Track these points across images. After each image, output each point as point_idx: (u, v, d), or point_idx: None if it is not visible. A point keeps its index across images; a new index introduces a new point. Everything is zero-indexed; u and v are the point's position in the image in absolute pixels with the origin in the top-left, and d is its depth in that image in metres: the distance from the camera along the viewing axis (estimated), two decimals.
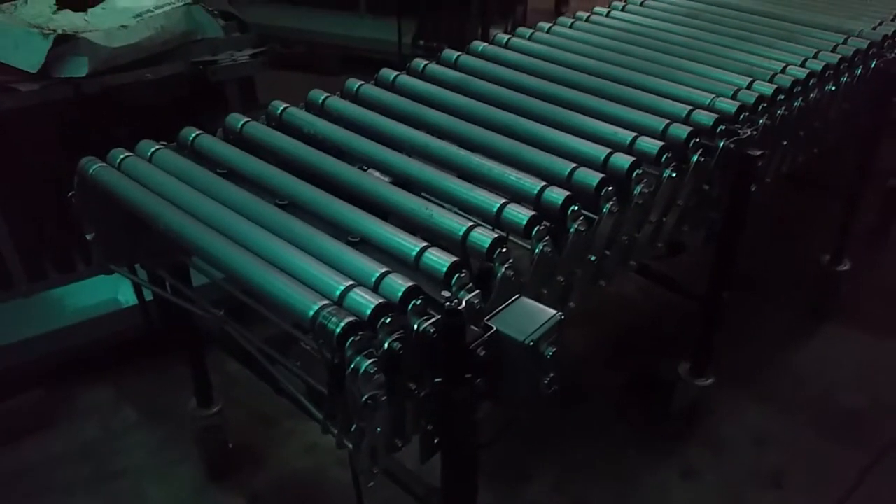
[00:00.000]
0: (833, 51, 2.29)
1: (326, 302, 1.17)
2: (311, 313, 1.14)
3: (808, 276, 3.03)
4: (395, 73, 2.13)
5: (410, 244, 1.34)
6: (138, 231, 1.61)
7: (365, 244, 1.40)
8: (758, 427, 2.53)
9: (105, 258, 1.75)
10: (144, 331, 2.37)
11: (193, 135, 1.78)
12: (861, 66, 2.32)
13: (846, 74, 2.27)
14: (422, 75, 2.19)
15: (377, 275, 1.23)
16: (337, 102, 1.97)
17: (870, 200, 3.05)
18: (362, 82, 2.07)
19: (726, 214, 2.02)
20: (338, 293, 1.19)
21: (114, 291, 2.62)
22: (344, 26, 5.55)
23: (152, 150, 1.71)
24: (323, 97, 1.99)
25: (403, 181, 1.64)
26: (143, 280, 1.79)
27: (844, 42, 2.34)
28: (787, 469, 2.39)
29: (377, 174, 1.70)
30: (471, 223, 1.40)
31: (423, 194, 1.58)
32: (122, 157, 1.67)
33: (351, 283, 1.21)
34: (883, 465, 2.39)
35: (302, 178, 1.61)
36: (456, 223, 1.42)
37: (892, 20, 2.55)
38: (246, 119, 1.84)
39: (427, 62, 2.21)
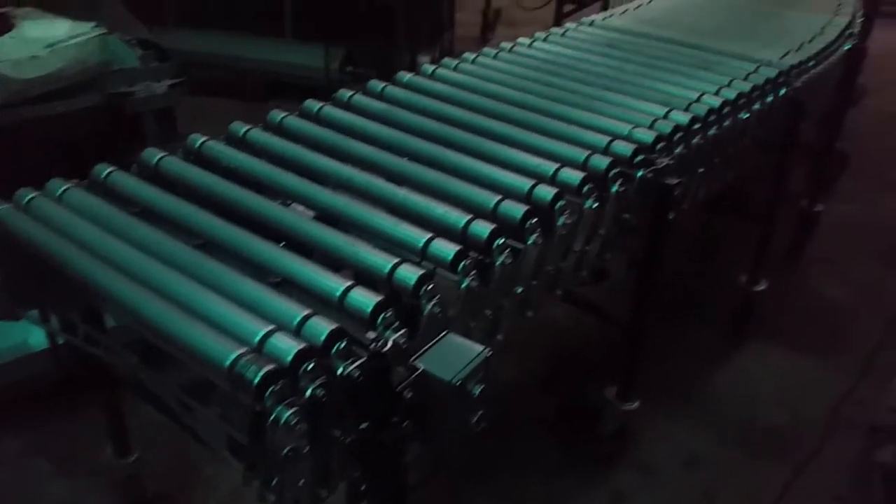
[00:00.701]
0: (745, 79, 2.38)
1: (244, 349, 1.12)
2: (228, 362, 1.10)
3: (728, 296, 3.13)
4: (320, 104, 2.11)
5: (334, 284, 1.31)
6: (47, 275, 1.53)
7: (287, 285, 1.36)
8: (686, 447, 2.59)
9: (12, 303, 1.65)
10: (57, 376, 2.25)
11: (106, 171, 1.70)
12: (771, 94, 2.42)
13: (758, 102, 2.36)
14: (347, 106, 2.17)
15: (299, 317, 1.20)
16: (259, 135, 1.93)
17: (784, 222, 3.19)
18: (286, 113, 2.04)
19: (646, 242, 2.07)
20: (257, 339, 1.15)
21: (24, 334, 2.48)
22: (270, 52, 5.47)
23: (62, 189, 1.63)
24: (244, 129, 1.94)
25: (328, 216, 1.61)
26: (53, 327, 1.70)
27: (755, 71, 2.44)
28: (716, 488, 2.44)
29: (301, 209, 1.67)
30: (396, 260, 1.39)
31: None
32: (28, 197, 1.59)
33: (271, 327, 1.17)
34: (802, 479, 2.47)
35: (221, 215, 1.57)
36: (381, 260, 1.40)
37: (798, 50, 2.68)
38: (162, 153, 1.78)
39: (353, 92, 2.20)
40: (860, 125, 5.06)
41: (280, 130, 1.99)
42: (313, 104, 2.10)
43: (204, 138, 1.86)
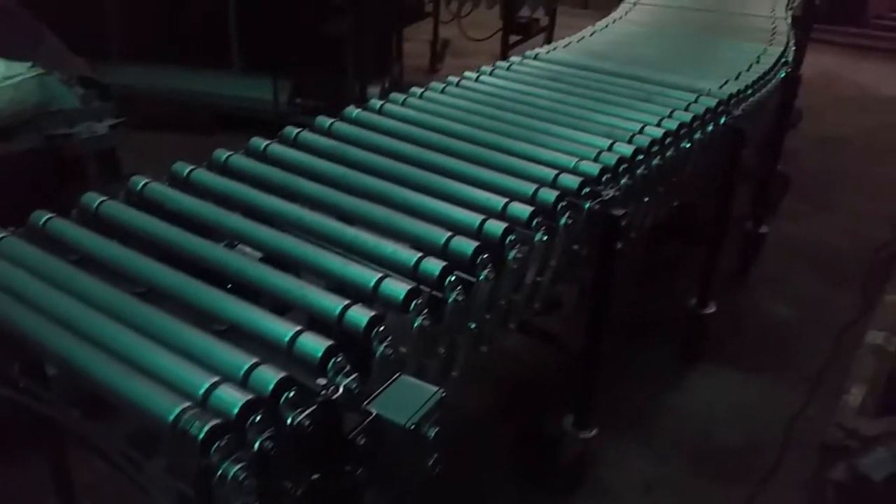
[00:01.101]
0: (686, 109, 2.45)
1: (188, 403, 1.09)
2: (172, 417, 1.06)
3: (679, 319, 3.18)
4: (266, 141, 2.09)
5: (282, 329, 1.29)
6: None
7: (234, 332, 1.33)
8: (644, 472, 2.60)
9: None
10: None
11: (45, 218, 1.65)
12: (712, 123, 2.49)
13: (699, 131, 2.43)
14: (294, 143, 2.15)
15: (245, 367, 1.17)
16: (203, 175, 1.90)
17: (731, 244, 3.26)
18: (230, 153, 2.01)
19: (595, 272, 2.09)
20: (201, 391, 1.12)
21: None
22: (217, 85, 5.43)
23: None
24: (188, 170, 1.91)
25: (275, 258, 1.59)
26: None
27: (696, 101, 2.51)
28: None
29: (247, 251, 1.64)
30: (346, 302, 1.37)
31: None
32: None
33: (216, 378, 1.14)
34: (759, 501, 2.50)
35: (164, 260, 1.53)
36: (331, 302, 1.38)
37: (736, 79, 2.76)
38: (103, 198, 1.73)
39: (299, 130, 2.18)
40: (799, 147, 5.26)
41: (225, 170, 1.96)
42: (259, 142, 2.07)
43: (146, 180, 1.82)
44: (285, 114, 5.30)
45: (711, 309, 3.07)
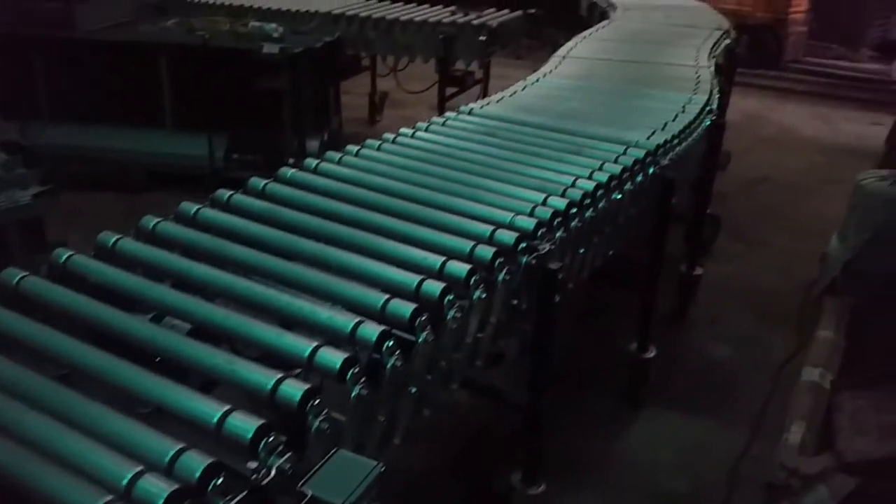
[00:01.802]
0: (615, 161, 2.50)
1: (110, 497, 1.03)
2: None
3: (620, 365, 3.20)
4: (196, 206, 2.04)
5: (210, 410, 1.24)
6: None
7: (160, 414, 1.27)
8: None
9: None
10: None
11: None
12: (641, 174, 2.55)
13: (629, 182, 2.48)
14: (226, 206, 2.11)
15: (171, 453, 1.12)
16: (130, 245, 1.84)
17: (667, 286, 3.33)
18: (158, 219, 1.95)
19: (536, 325, 2.09)
20: (124, 483, 1.06)
21: None
22: (151, 143, 5.34)
23: None
24: (113, 239, 1.84)
25: (205, 330, 1.54)
26: None
27: (624, 153, 2.57)
28: None
29: (176, 324, 1.59)
30: (279, 375, 1.33)
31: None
32: None
33: (139, 468, 1.08)
34: None
35: (89, 338, 1.46)
36: (262, 377, 1.34)
37: (663, 129, 2.85)
38: (23, 273, 1.66)
39: (231, 192, 2.14)
40: (729, 188, 5.45)
41: (154, 238, 1.91)
42: (189, 207, 2.03)
43: (69, 253, 1.75)
44: (221, 169, 5.24)
45: (651, 353, 3.10)
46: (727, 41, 4.55)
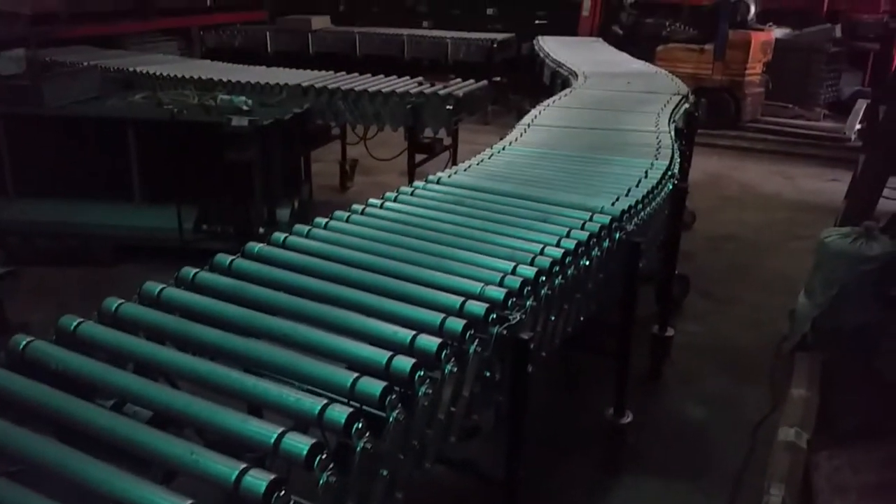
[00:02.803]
0: (582, 228, 2.52)
1: None
2: None
3: (598, 430, 3.17)
4: (161, 286, 2.00)
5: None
6: None
7: None
8: None
9: None
10: None
11: None
12: (608, 239, 2.58)
13: (596, 248, 2.50)
14: (192, 285, 2.08)
15: None
16: (91, 328, 1.79)
17: (640, 347, 3.32)
18: (121, 301, 1.91)
19: (509, 396, 2.07)
20: None
21: None
22: (119, 216, 5.30)
23: None
24: (75, 323, 1.80)
25: (167, 417, 1.49)
26: None
27: (591, 219, 2.60)
28: None
29: (136, 411, 1.54)
30: (242, 466, 1.28)
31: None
32: None
33: None
34: None
35: (45, 429, 1.41)
36: (226, 467, 1.29)
37: (627, 195, 2.89)
38: None
39: (196, 270, 2.11)
40: (696, 247, 5.55)
41: (116, 320, 1.86)
42: (153, 287, 1.99)
43: (28, 339, 1.70)
44: (191, 241, 5.21)
45: (628, 418, 3.08)
46: (686, 105, 4.69)
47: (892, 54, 8.46)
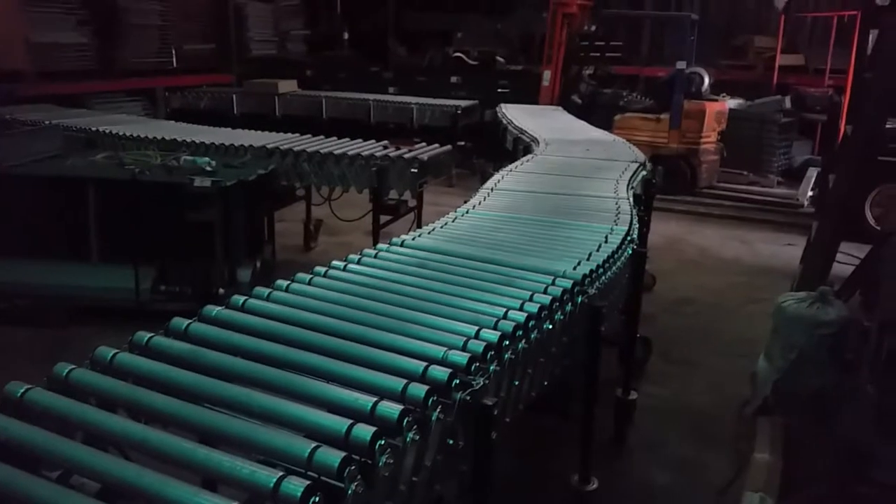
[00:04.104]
0: (545, 292, 2.53)
1: None
2: None
3: (563, 498, 3.12)
4: (113, 351, 1.94)
5: None
6: None
7: None
8: None
9: None
10: None
11: None
12: (570, 303, 2.59)
13: (559, 312, 2.51)
14: (146, 350, 2.02)
15: None
16: (39, 395, 1.72)
17: (604, 410, 3.30)
18: (72, 367, 1.85)
19: (473, 465, 2.03)
20: None
21: None
22: (74, 276, 5.18)
23: None
24: (22, 390, 1.73)
25: (116, 490, 1.43)
26: None
27: (553, 283, 2.62)
28: None
29: (84, 483, 1.47)
30: None
31: None
32: None
33: None
34: None
35: None
36: None
37: (588, 259, 2.93)
38: None
39: (151, 335, 2.06)
40: (656, 310, 5.61)
41: (66, 386, 1.79)
42: (106, 352, 1.93)
43: None
44: (148, 301, 5.10)
45: (593, 485, 3.04)
46: (644, 172, 4.82)
47: (838, 126, 8.84)
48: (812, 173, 9.36)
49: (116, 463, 1.48)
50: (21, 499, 1.37)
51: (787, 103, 11.00)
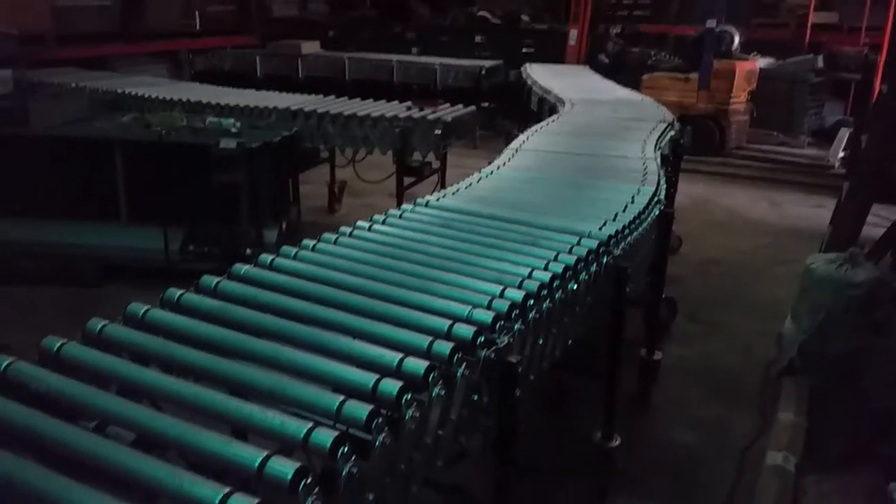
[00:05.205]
0: (570, 252, 2.52)
1: None
2: None
3: (587, 454, 3.15)
4: (145, 307, 1.98)
5: None
6: None
7: None
8: None
9: None
10: None
11: None
12: (595, 263, 2.58)
13: (584, 272, 2.50)
14: (177, 306, 2.06)
15: None
16: (74, 349, 1.77)
17: (629, 371, 3.31)
18: (106, 322, 1.89)
19: (497, 421, 2.05)
20: None
21: None
22: (104, 236, 5.27)
23: None
24: (58, 344, 1.77)
25: (150, 440, 1.47)
26: None
27: (578, 243, 2.60)
28: None
29: (120, 433, 1.51)
30: (226, 490, 1.26)
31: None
32: None
33: None
34: None
35: (24, 451, 1.38)
36: (209, 490, 1.27)
37: (614, 220, 2.91)
38: None
39: (182, 292, 2.10)
40: (683, 271, 5.57)
41: (100, 341, 1.84)
42: (137, 308, 1.97)
43: (8, 360, 1.67)
44: (177, 262, 5.18)
45: (616, 442, 3.06)
46: (672, 133, 4.74)
47: (873, 85, 8.60)
48: (844, 134, 9.14)
49: (150, 414, 1.52)
50: (61, 447, 1.41)
51: (820, 62, 10.70)
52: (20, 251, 5.19)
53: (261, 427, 1.50)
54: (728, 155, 9.49)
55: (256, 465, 1.35)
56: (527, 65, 8.15)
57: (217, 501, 1.24)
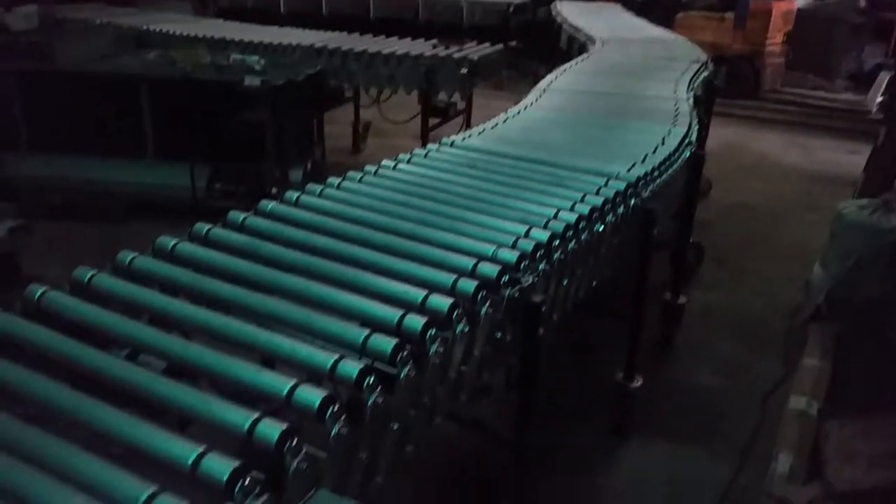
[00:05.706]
0: (597, 193, 2.49)
1: None
2: None
3: (607, 394, 3.18)
4: (174, 240, 2.01)
5: (184, 451, 1.20)
6: None
7: (133, 456, 1.23)
8: None
9: None
10: None
11: None
12: (622, 206, 2.55)
13: (611, 214, 2.48)
14: (205, 241, 2.08)
15: (142, 499, 1.08)
16: (106, 280, 1.80)
17: (653, 314, 3.30)
18: (135, 254, 1.92)
19: (520, 360, 2.07)
20: None
21: None
22: (131, 173, 5.31)
23: None
24: (89, 275, 1.81)
25: (181, 368, 1.51)
26: None
27: (606, 185, 2.57)
28: None
29: (151, 361, 1.55)
30: (256, 415, 1.29)
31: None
32: None
33: None
34: None
35: (62, 377, 1.42)
36: (238, 415, 1.30)
37: (643, 161, 2.86)
38: None
39: (210, 226, 2.11)
40: (711, 216, 5.49)
41: (130, 273, 1.87)
42: (167, 241, 1.99)
43: (43, 289, 1.71)
44: (203, 199, 5.21)
45: (638, 382, 3.08)
46: (705, 73, 4.61)
47: None
48: (884, 77, 8.82)
49: (181, 343, 1.55)
50: (94, 373, 1.45)
51: (863, 2, 10.25)
52: (48, 186, 5.25)
53: (289, 357, 1.53)
54: (762, 98, 9.23)
55: (285, 392, 1.38)
56: (556, 2, 7.92)
57: (247, 426, 1.27)
